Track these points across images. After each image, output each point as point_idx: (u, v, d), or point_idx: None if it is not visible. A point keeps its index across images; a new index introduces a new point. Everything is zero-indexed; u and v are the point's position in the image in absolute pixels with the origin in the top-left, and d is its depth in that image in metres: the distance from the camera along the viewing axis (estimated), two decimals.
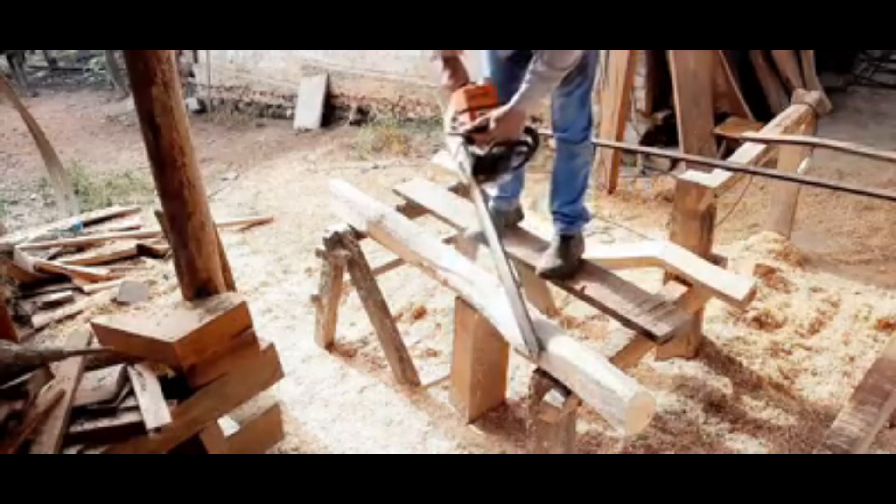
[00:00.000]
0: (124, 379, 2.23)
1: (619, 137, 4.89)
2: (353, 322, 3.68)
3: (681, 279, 2.69)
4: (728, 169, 2.99)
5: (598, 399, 2.02)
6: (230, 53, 7.70)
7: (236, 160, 6.55)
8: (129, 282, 4.00)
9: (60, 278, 4.10)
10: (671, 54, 4.81)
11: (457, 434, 2.89)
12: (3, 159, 7.00)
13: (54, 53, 10.41)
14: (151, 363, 2.29)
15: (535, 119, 5.36)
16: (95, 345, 2.40)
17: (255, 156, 6.65)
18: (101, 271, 4.16)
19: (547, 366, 2.18)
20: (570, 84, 2.31)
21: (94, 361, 2.35)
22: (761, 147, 3.23)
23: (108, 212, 5.01)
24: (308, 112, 7.22)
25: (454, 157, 2.32)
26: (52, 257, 4.29)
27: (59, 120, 8.15)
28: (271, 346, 2.52)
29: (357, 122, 7.05)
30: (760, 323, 3.38)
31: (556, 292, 3.47)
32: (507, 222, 2.86)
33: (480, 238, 2.55)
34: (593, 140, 2.86)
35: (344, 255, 3.09)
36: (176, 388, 2.24)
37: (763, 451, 2.71)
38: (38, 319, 3.80)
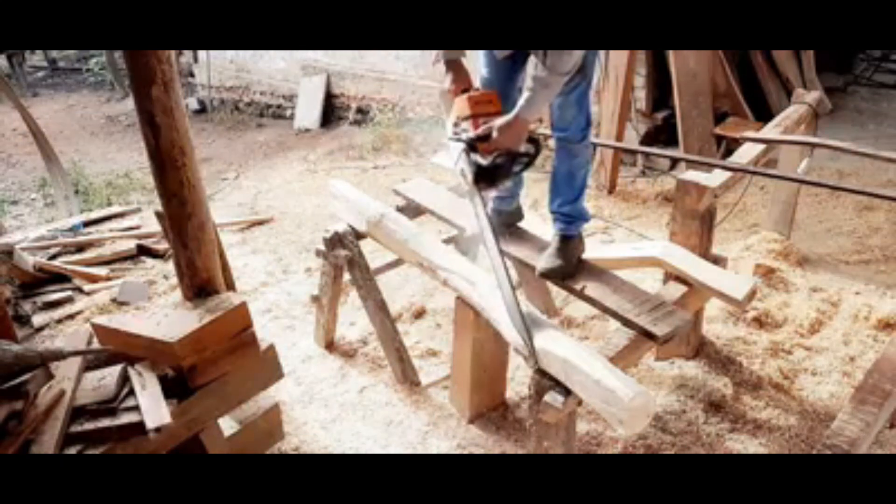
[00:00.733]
0: (124, 379, 2.23)
1: (619, 137, 4.89)
2: (353, 322, 3.68)
3: (681, 279, 2.70)
4: (728, 169, 2.99)
5: (598, 399, 2.02)
6: (230, 53, 7.70)
7: (236, 160, 6.55)
8: (129, 282, 4.00)
9: (60, 278, 4.10)
10: (671, 54, 4.81)
11: (457, 434, 2.89)
12: (3, 159, 7.00)
13: (54, 53, 10.41)
14: (151, 363, 2.29)
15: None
16: (95, 345, 2.40)
17: (255, 156, 6.65)
18: (101, 271, 4.16)
19: (547, 366, 2.18)
20: (571, 84, 2.30)
21: (94, 361, 2.34)
22: (761, 147, 3.23)
23: (108, 212, 5.01)
24: (308, 112, 7.22)
25: (455, 163, 2.31)
26: (52, 257, 4.29)
27: (59, 120, 8.15)
28: (271, 346, 2.52)
29: (357, 122, 7.05)
30: (760, 323, 3.38)
31: (556, 292, 3.47)
32: (508, 222, 2.86)
33: (480, 239, 2.56)
34: (593, 140, 2.86)
35: (344, 255, 3.09)
36: (176, 388, 2.24)
37: (763, 451, 2.71)
38: (38, 319, 3.79)
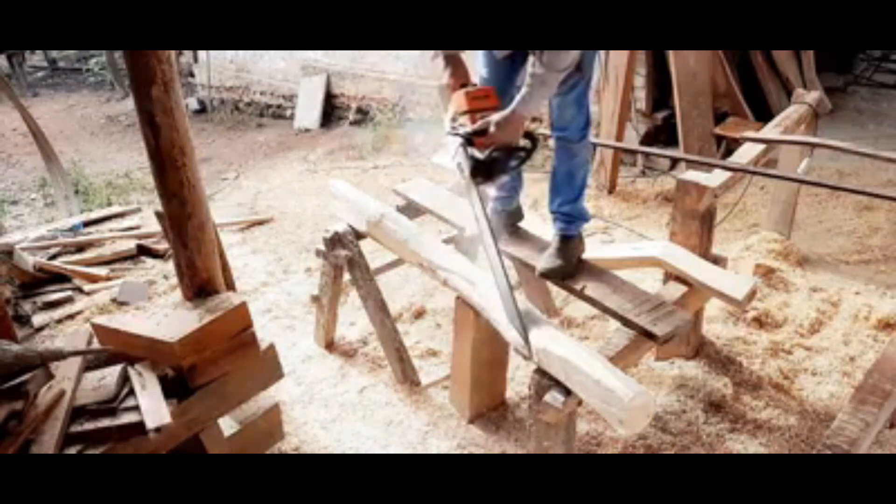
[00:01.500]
0: (124, 379, 2.23)
1: (619, 137, 4.89)
2: (353, 322, 3.68)
3: (681, 279, 2.70)
4: (728, 169, 2.99)
5: (598, 399, 2.02)
6: (230, 53, 7.70)
7: (236, 160, 6.55)
8: (129, 282, 4.00)
9: (60, 278, 4.10)
10: (671, 54, 4.81)
11: (457, 434, 2.89)
12: (3, 159, 7.00)
13: (54, 53, 10.41)
14: (151, 363, 2.29)
15: (534, 119, 5.35)
16: (95, 345, 2.40)
17: (255, 156, 6.65)
18: (101, 271, 4.16)
19: (547, 366, 2.18)
20: (568, 83, 2.30)
21: (94, 361, 2.34)
22: (761, 147, 3.23)
23: (108, 212, 5.01)
24: (308, 112, 7.22)
25: (453, 158, 2.32)
26: (52, 257, 4.29)
27: (59, 120, 8.15)
28: (271, 346, 2.52)
29: (357, 122, 7.05)
30: (760, 323, 3.38)
31: (556, 292, 3.47)
32: (508, 222, 2.86)
33: (478, 235, 2.56)
34: (593, 140, 2.86)
35: (344, 255, 3.09)
36: (176, 388, 2.24)
37: (763, 451, 2.71)
38: (38, 319, 3.79)
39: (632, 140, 5.28)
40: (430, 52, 2.46)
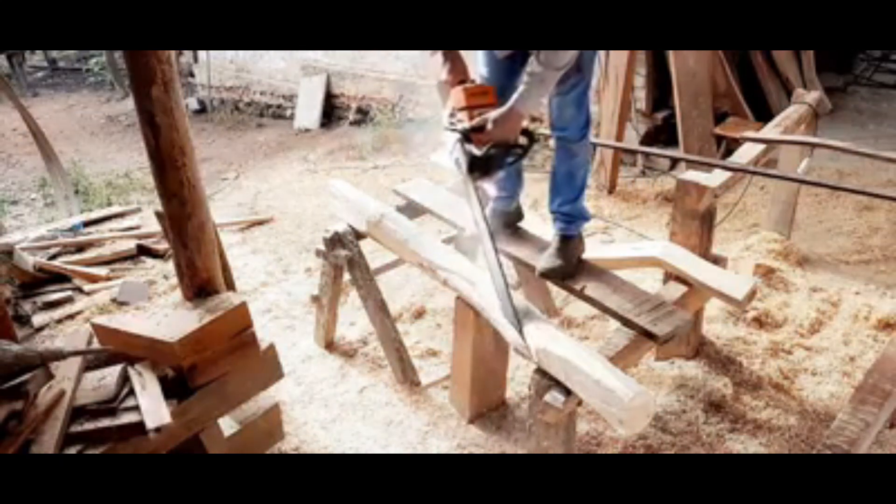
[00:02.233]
0: (124, 379, 2.23)
1: (619, 137, 4.89)
2: (353, 322, 3.68)
3: (681, 279, 2.70)
4: (728, 169, 2.99)
5: (598, 399, 2.02)
6: (230, 53, 7.70)
7: (236, 160, 6.55)
8: (129, 282, 4.00)
9: (60, 278, 4.10)
10: (671, 54, 4.81)
11: (457, 434, 2.89)
12: (3, 159, 7.00)
13: (54, 53, 10.42)
14: (151, 363, 2.29)
15: (534, 119, 5.35)
16: (95, 345, 2.40)
17: (255, 156, 6.65)
18: (101, 271, 4.16)
19: (547, 366, 2.18)
20: (568, 83, 2.31)
21: (94, 361, 2.34)
22: (761, 147, 3.23)
23: (108, 212, 5.01)
24: (308, 112, 7.22)
25: (450, 153, 2.33)
26: (52, 257, 4.29)
27: (59, 120, 8.16)
28: (271, 346, 2.52)
29: (357, 122, 7.05)
30: (760, 323, 3.38)
31: (556, 292, 3.47)
32: (508, 222, 2.86)
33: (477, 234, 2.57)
34: (593, 140, 2.86)
35: (344, 255, 3.09)
36: (176, 388, 2.24)
37: (763, 451, 2.71)
38: (38, 319, 3.79)
39: (632, 140, 5.28)
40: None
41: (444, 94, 2.42)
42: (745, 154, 3.18)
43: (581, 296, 2.53)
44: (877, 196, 3.11)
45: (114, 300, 3.88)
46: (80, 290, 4.03)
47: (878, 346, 3.18)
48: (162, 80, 2.06)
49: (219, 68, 7.78)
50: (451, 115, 2.35)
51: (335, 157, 6.32)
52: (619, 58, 4.75)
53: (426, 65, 6.24)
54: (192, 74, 8.15)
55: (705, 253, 2.91)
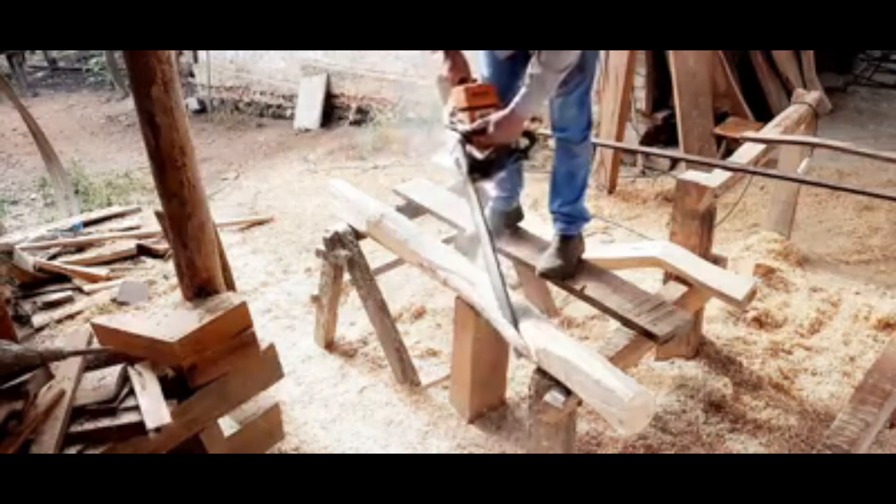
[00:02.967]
0: (124, 379, 2.23)
1: (619, 137, 4.89)
2: (353, 322, 3.68)
3: (681, 279, 2.70)
4: (728, 169, 2.99)
5: (598, 399, 2.02)
6: (230, 53, 7.70)
7: (236, 160, 6.55)
8: (129, 282, 4.00)
9: (60, 278, 4.10)
10: (671, 54, 4.81)
11: (457, 434, 2.89)
12: (3, 159, 7.00)
13: (54, 53, 10.41)
14: (151, 363, 2.29)
15: (535, 119, 5.35)
16: (95, 345, 2.40)
17: (255, 156, 6.65)
18: (101, 271, 4.16)
19: (547, 366, 2.18)
20: (569, 84, 2.30)
21: (94, 361, 2.34)
22: (761, 147, 3.23)
23: (108, 212, 5.01)
24: (308, 112, 7.22)
25: (450, 153, 2.33)
26: (52, 257, 4.29)
27: (59, 120, 8.15)
28: (271, 346, 2.52)
29: (357, 122, 7.05)
30: (760, 323, 3.38)
31: (556, 292, 3.47)
32: (508, 222, 2.86)
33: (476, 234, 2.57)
34: (593, 140, 2.86)
35: (344, 255, 3.09)
36: (176, 388, 2.24)
37: (763, 451, 2.71)
38: (38, 319, 3.79)
39: (632, 140, 5.28)
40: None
41: (444, 90, 2.41)
42: (745, 154, 3.18)
43: (581, 296, 2.53)
44: (877, 196, 3.11)
45: (114, 300, 3.88)
46: (80, 290, 4.03)
47: (878, 346, 3.18)
48: (162, 80, 2.06)
49: (219, 68, 7.78)
50: (452, 115, 2.34)
51: (335, 157, 6.32)
52: (619, 58, 4.75)
53: (426, 64, 6.24)
54: (192, 74, 8.14)
55: (705, 253, 2.91)
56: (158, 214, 2.51)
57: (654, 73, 5.28)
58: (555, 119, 2.47)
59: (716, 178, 2.92)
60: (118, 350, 2.29)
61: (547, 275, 2.62)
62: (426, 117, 6.56)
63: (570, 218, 2.62)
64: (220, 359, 2.32)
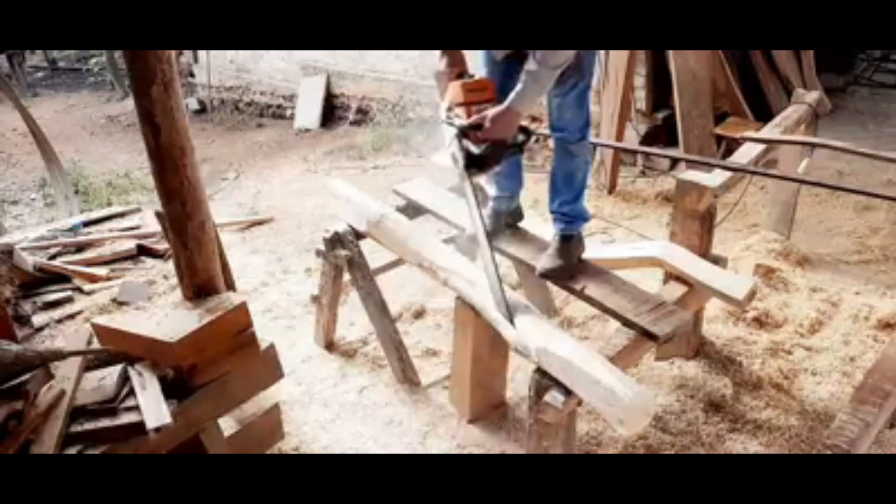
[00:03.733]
0: (124, 379, 2.23)
1: (619, 137, 4.89)
2: (353, 322, 3.68)
3: (681, 279, 2.69)
4: (728, 169, 2.99)
5: (598, 399, 2.02)
6: (230, 53, 7.70)
7: (236, 160, 6.55)
8: (129, 282, 3.99)
9: (60, 278, 4.09)
10: (671, 54, 4.81)
11: (457, 434, 2.89)
12: (3, 159, 6.99)
13: (54, 53, 10.41)
14: (151, 363, 2.29)
15: (534, 119, 5.35)
16: (95, 345, 2.40)
17: (255, 156, 6.65)
18: (101, 271, 4.15)
19: (547, 366, 2.18)
20: (566, 84, 2.31)
21: (94, 361, 2.34)
22: (761, 147, 3.23)
23: (108, 212, 5.00)
24: (308, 112, 7.22)
25: (447, 146, 2.34)
26: (52, 257, 4.28)
27: (59, 120, 8.15)
28: (271, 346, 2.52)
29: (357, 122, 7.05)
30: (760, 323, 3.38)
31: (556, 292, 3.47)
32: (508, 222, 2.86)
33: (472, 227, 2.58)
34: (593, 140, 2.87)
35: (344, 255, 3.09)
36: (176, 388, 2.24)
37: (763, 451, 2.71)
38: (38, 319, 3.78)
39: (632, 140, 5.28)
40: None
41: (441, 85, 2.42)
42: (745, 154, 3.18)
43: (581, 296, 2.53)
44: (877, 196, 3.12)
45: (114, 300, 3.87)
46: (80, 290, 4.02)
47: (878, 346, 3.18)
48: (162, 80, 2.06)
49: (219, 68, 7.78)
50: (449, 109, 2.36)
51: (335, 157, 6.32)
52: (619, 58, 4.75)
53: (426, 65, 6.24)
54: (192, 74, 8.14)
55: (705, 253, 2.91)
56: (158, 214, 2.51)
57: (654, 73, 5.27)
58: (553, 119, 2.48)
59: (716, 178, 2.92)
60: (118, 350, 2.29)
61: (547, 275, 2.63)
62: (426, 117, 6.57)
63: (570, 218, 2.62)
64: (220, 359, 2.32)
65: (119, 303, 3.87)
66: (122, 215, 4.96)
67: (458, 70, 2.37)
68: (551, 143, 2.65)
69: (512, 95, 2.21)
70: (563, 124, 2.46)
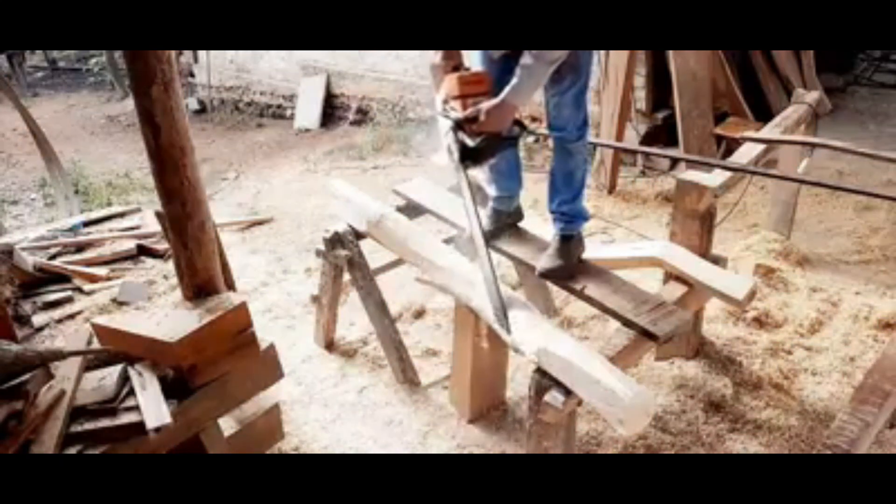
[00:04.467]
0: (124, 379, 2.23)
1: (619, 137, 4.89)
2: (353, 322, 3.68)
3: (681, 279, 2.69)
4: (728, 169, 2.99)
5: (598, 399, 2.02)
6: (230, 53, 7.70)
7: (236, 160, 6.55)
8: (129, 282, 3.99)
9: (60, 278, 4.09)
10: (671, 54, 4.81)
11: (457, 434, 2.89)
12: (3, 159, 6.99)
13: (54, 53, 10.40)
14: (151, 363, 2.29)
15: (534, 119, 5.36)
16: (95, 345, 2.40)
17: (255, 156, 6.65)
18: (101, 271, 4.15)
19: (547, 366, 2.18)
20: (564, 83, 2.32)
21: (94, 361, 2.34)
22: (761, 147, 3.23)
23: (108, 212, 4.99)
24: (308, 112, 7.22)
25: (443, 137, 2.35)
26: (52, 257, 4.28)
27: (59, 120, 8.15)
28: (271, 346, 2.52)
29: (357, 122, 7.05)
30: (760, 323, 3.38)
31: (556, 292, 3.47)
32: (508, 222, 2.86)
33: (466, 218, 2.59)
34: (593, 140, 2.87)
35: (344, 255, 3.09)
36: (176, 388, 2.24)
37: (763, 451, 2.71)
38: (38, 319, 3.78)
39: (632, 140, 5.28)
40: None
41: (436, 77, 2.43)
42: (745, 154, 3.18)
43: (581, 296, 2.53)
44: (877, 196, 3.12)
45: (114, 300, 3.87)
46: (80, 290, 4.02)
47: (878, 346, 3.18)
48: (162, 80, 2.06)
49: (219, 68, 7.78)
50: (445, 102, 2.37)
51: (335, 157, 6.32)
52: (619, 58, 4.74)
53: (426, 65, 6.23)
54: (192, 74, 8.14)
55: (705, 253, 2.91)
56: (158, 214, 2.51)
57: (654, 73, 5.27)
58: (551, 118, 2.48)
59: (716, 178, 2.92)
60: (118, 350, 2.29)
61: (547, 275, 2.63)
62: (426, 117, 6.57)
63: (570, 217, 2.62)
64: (220, 359, 2.32)
65: (119, 303, 3.86)
66: (122, 215, 4.96)
67: (454, 63, 2.38)
68: (550, 143, 2.64)
69: (507, 89, 2.22)
70: (561, 123, 2.46)
